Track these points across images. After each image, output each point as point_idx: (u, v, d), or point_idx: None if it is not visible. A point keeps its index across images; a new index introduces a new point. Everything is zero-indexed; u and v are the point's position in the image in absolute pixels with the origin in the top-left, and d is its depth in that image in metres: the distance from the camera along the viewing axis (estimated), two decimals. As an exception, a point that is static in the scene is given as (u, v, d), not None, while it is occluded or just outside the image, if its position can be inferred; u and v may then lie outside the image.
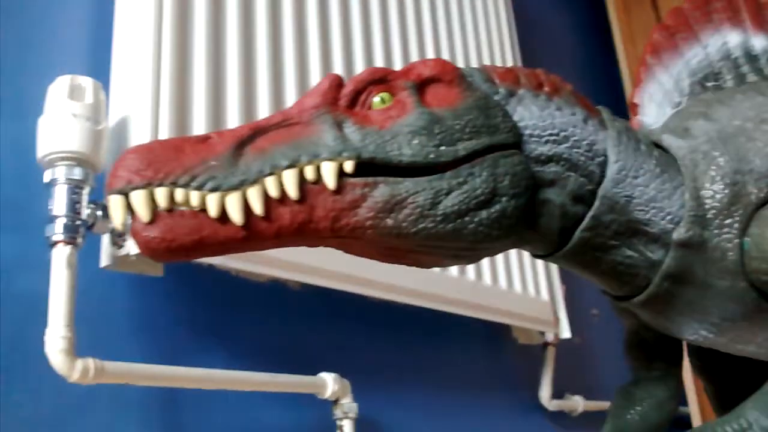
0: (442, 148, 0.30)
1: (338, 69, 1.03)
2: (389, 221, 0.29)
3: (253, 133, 0.29)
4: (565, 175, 0.32)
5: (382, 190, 0.29)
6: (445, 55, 1.24)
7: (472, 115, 0.30)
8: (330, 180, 0.29)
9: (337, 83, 0.31)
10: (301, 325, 0.99)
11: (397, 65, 1.11)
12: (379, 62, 1.08)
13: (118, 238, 0.76)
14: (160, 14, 0.81)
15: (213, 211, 0.27)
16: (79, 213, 0.70)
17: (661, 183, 0.33)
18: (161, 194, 0.27)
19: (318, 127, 0.29)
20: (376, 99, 0.30)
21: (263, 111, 0.88)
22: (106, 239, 0.77)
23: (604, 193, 0.33)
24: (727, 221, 0.33)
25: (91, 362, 0.69)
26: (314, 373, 0.95)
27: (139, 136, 0.78)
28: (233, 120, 0.84)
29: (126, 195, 0.27)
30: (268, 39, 0.93)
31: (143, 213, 0.27)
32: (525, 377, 1.34)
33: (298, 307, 0.99)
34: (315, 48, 0.99)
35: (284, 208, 0.28)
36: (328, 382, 0.95)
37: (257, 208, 0.28)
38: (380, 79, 0.31)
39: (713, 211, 0.33)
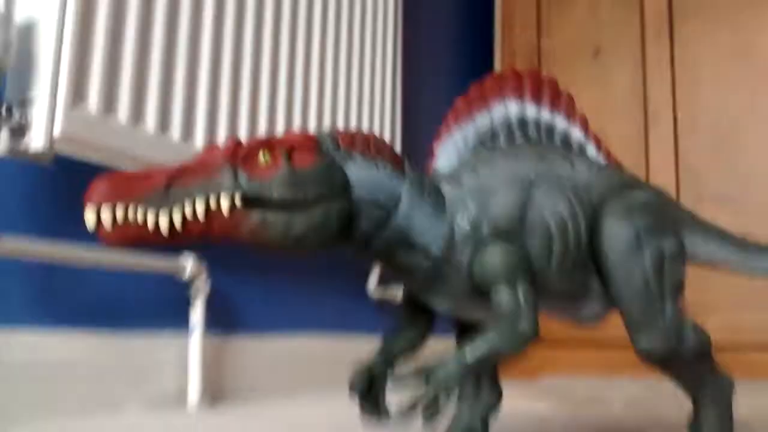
0: (299, 193, 0.48)
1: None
2: (258, 235, 0.48)
3: (180, 174, 0.45)
4: (373, 211, 0.51)
5: (256, 216, 0.47)
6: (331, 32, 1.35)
7: (321, 173, 0.49)
8: (224, 208, 0.47)
9: (237, 144, 0.48)
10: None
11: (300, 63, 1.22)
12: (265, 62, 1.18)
13: (17, 132, 0.87)
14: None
15: (150, 223, 0.44)
16: (-15, 109, 0.81)
17: (433, 218, 0.53)
18: (119, 211, 0.44)
19: (221, 173, 0.47)
20: (261, 158, 0.48)
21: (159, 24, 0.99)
22: (5, 132, 0.87)
23: (395, 223, 0.52)
24: (466, 246, 0.53)
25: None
26: (175, 254, 1.11)
27: (44, 41, 0.87)
28: (134, 27, 0.94)
29: (98, 208, 0.43)
30: None
31: (107, 223, 0.43)
32: (357, 267, 1.56)
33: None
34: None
35: (195, 223, 0.46)
36: (188, 264, 1.12)
37: (177, 223, 0.45)
38: (265, 144, 0.48)
39: (459, 239, 0.54)
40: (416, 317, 0.60)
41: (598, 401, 1.21)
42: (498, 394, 0.64)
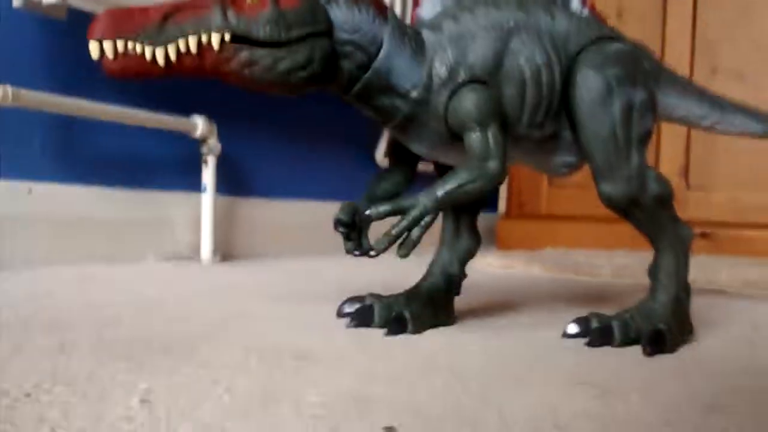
0: (283, 32, 0.51)
1: None
2: (246, 71, 0.51)
3: (174, 10, 0.48)
4: (355, 53, 0.54)
5: (245, 53, 0.51)
6: None
7: (304, 13, 0.51)
8: (215, 44, 0.50)
9: (227, -16, 0.51)
10: (180, 74, 1.17)
11: None
12: None
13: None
14: None
15: (148, 56, 0.48)
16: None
17: (411, 62, 0.55)
18: (120, 45, 0.47)
19: (212, 10, 0.50)
20: None
21: None
22: (18, -15, 0.90)
23: (376, 66, 0.55)
24: (443, 91, 0.56)
25: (9, 89, 0.87)
26: (188, 114, 1.16)
27: None
28: None
29: (100, 42, 0.47)
30: None
31: (110, 54, 0.47)
32: (368, 138, 1.60)
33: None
34: None
35: (187, 57, 0.49)
36: (199, 123, 1.17)
37: (172, 56, 0.49)
38: (253, -14, 0.51)
39: (437, 83, 0.56)
40: (401, 162, 0.65)
41: (588, 267, 1.28)
42: (476, 241, 0.69)
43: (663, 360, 0.56)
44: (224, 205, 1.25)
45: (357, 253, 0.59)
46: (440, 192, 0.55)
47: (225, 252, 1.23)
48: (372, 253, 0.58)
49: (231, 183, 1.28)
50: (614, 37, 0.64)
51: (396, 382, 0.44)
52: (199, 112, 1.17)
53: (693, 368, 0.53)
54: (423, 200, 0.54)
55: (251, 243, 1.31)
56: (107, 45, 0.48)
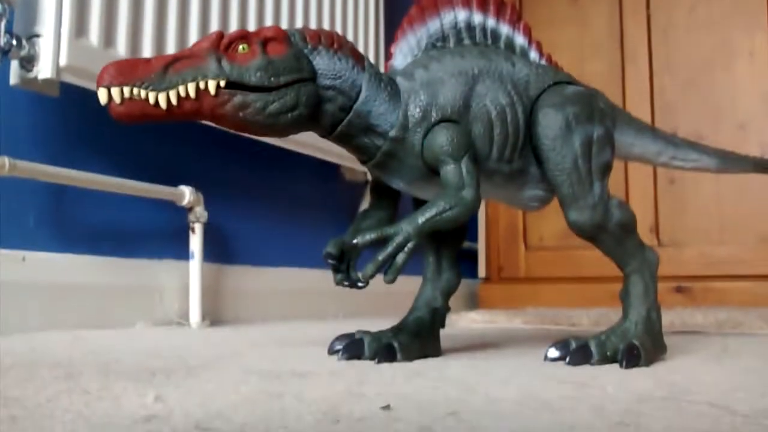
0: (272, 78, 0.57)
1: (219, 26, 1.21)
2: (240, 114, 0.56)
3: (174, 60, 0.54)
4: (337, 97, 0.60)
5: (239, 97, 0.56)
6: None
7: (290, 61, 0.57)
8: (211, 89, 0.55)
9: (220, 36, 0.56)
10: (169, 144, 1.23)
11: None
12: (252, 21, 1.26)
13: (27, 63, 0.95)
14: None
15: (151, 100, 0.53)
16: (-4, 41, 0.89)
17: (388, 105, 0.62)
18: (126, 91, 0.53)
19: (208, 59, 0.56)
20: (240, 47, 0.56)
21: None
22: (16, 63, 0.96)
23: (356, 108, 0.61)
24: (418, 129, 0.62)
25: (6, 160, 0.91)
26: (175, 184, 1.20)
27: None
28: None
29: (108, 89, 0.52)
30: None
31: (117, 99, 0.52)
32: (348, 207, 1.66)
33: (172, 129, 1.22)
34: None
35: (187, 101, 0.55)
36: (186, 192, 1.21)
37: (173, 100, 0.54)
38: (244, 36, 0.57)
39: (412, 123, 0.62)
40: (383, 199, 0.70)
41: (567, 318, 1.31)
42: (457, 275, 0.73)
43: (636, 369, 0.60)
44: (212, 272, 1.28)
45: (347, 283, 0.63)
46: (421, 219, 0.59)
47: (213, 318, 1.25)
48: (360, 284, 0.62)
49: (218, 250, 1.32)
50: (571, 81, 0.71)
51: (387, 385, 0.47)
52: (187, 182, 1.21)
53: (664, 371, 0.57)
54: (406, 227, 0.59)
55: (239, 309, 1.33)
56: (114, 91, 0.53)
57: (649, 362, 0.63)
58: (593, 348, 0.63)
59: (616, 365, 0.61)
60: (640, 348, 0.63)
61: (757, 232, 1.71)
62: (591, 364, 0.62)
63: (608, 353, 0.63)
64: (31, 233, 1.01)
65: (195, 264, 1.22)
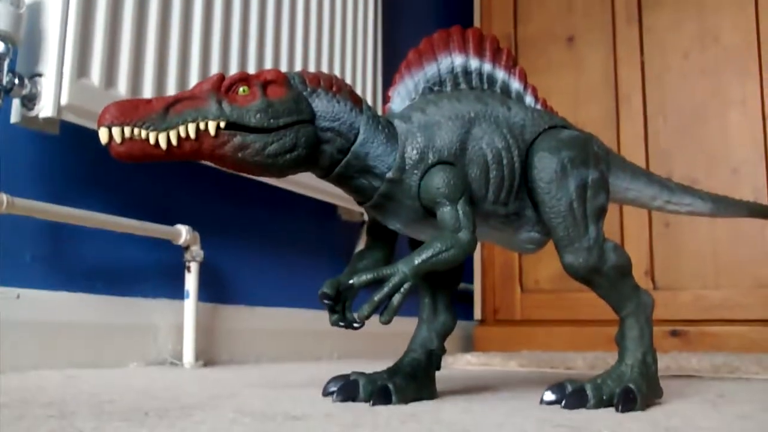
0: (272, 120, 0.57)
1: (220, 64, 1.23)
2: (239, 154, 0.57)
3: (175, 101, 0.55)
4: (335, 138, 0.61)
5: (238, 138, 0.57)
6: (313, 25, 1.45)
7: (290, 103, 0.59)
8: (211, 130, 0.56)
9: (221, 78, 0.57)
10: (166, 183, 1.23)
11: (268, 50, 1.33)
12: (253, 55, 1.29)
13: (28, 102, 0.96)
14: None
15: (152, 140, 0.54)
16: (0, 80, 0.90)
17: (386, 147, 0.62)
18: (127, 131, 0.53)
19: (208, 101, 0.56)
20: (241, 89, 0.57)
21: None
22: (17, 102, 0.97)
23: (354, 150, 0.62)
24: (415, 171, 0.62)
25: (4, 196, 0.91)
26: (172, 223, 1.21)
27: (51, 20, 0.97)
28: (132, 8, 1.04)
29: (109, 128, 0.53)
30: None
31: (118, 139, 0.53)
32: (344, 247, 1.66)
33: (170, 168, 1.22)
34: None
35: (187, 141, 0.56)
36: (182, 231, 1.21)
37: (173, 140, 0.54)
38: (244, 79, 0.58)
39: (409, 165, 0.63)
40: (380, 240, 0.70)
41: (562, 361, 1.31)
42: (452, 317, 0.73)
43: (633, 413, 0.59)
44: (207, 312, 1.27)
45: (342, 324, 0.63)
46: (418, 260, 0.59)
47: (208, 358, 1.24)
48: (356, 324, 0.62)
49: (213, 290, 1.31)
50: (566, 126, 0.72)
51: (382, 428, 0.47)
52: (183, 221, 1.22)
53: (660, 415, 0.56)
54: (402, 268, 0.59)
55: (233, 349, 1.32)
56: (115, 131, 0.53)
57: (645, 406, 0.63)
58: (589, 391, 0.63)
59: (611, 409, 0.61)
60: (636, 392, 0.62)
61: (753, 276, 1.71)
62: (587, 408, 0.62)
63: (604, 397, 0.63)
64: (27, 270, 1.01)
65: (190, 303, 1.21)
